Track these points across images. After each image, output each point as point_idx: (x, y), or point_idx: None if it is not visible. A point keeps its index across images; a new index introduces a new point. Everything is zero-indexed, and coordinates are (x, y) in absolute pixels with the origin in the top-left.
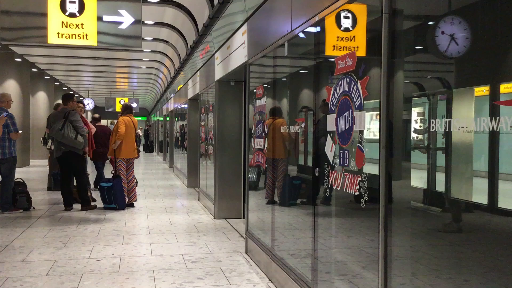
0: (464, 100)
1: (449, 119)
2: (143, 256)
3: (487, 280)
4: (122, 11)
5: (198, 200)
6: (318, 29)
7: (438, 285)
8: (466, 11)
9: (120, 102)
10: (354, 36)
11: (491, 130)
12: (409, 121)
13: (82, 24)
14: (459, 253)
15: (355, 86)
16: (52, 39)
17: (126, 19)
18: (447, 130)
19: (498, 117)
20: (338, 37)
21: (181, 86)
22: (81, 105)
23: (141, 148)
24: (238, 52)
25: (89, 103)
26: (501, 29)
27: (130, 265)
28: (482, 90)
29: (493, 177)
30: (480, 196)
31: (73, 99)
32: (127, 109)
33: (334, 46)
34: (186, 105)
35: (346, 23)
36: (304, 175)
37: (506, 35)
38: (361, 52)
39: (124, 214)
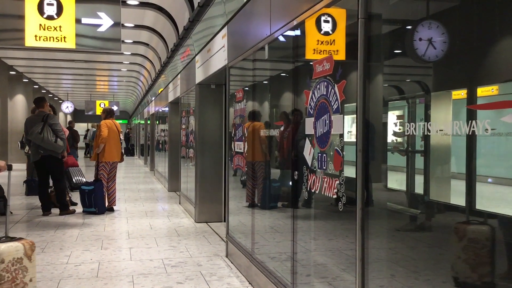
0: (442, 104)
1: (427, 122)
2: (122, 261)
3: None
4: (101, 14)
5: (179, 203)
6: (296, 33)
7: (416, 287)
8: (443, 16)
9: (100, 105)
10: (333, 40)
11: (467, 133)
12: (388, 124)
13: (60, 27)
14: (438, 254)
15: (332, 90)
16: (29, 41)
17: (105, 21)
18: (425, 133)
19: (472, 121)
20: (317, 40)
21: (162, 89)
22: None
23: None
24: (218, 55)
25: (68, 106)
26: (478, 33)
27: (109, 270)
28: (460, 94)
29: (470, 179)
30: (458, 198)
31: (46, 101)
32: (109, 114)
33: (312, 49)
34: (167, 108)
35: (325, 27)
36: (284, 178)
37: (482, 39)
38: (340, 56)
39: (103, 218)
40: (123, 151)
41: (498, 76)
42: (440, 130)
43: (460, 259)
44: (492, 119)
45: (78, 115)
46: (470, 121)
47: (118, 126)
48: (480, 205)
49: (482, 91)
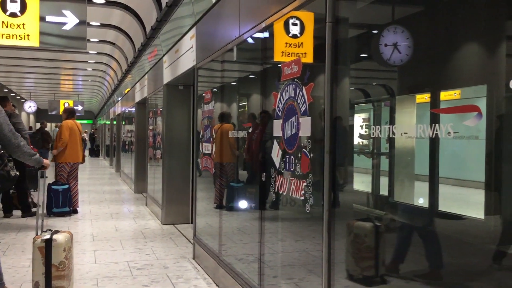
0: (406, 107)
1: (392, 125)
2: (86, 264)
3: (429, 281)
4: (66, 12)
5: (146, 205)
6: (265, 35)
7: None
8: (408, 21)
9: (64, 105)
10: (301, 43)
11: (431, 136)
12: (354, 127)
13: (23, 24)
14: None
15: (300, 92)
16: None
17: (70, 19)
18: (390, 136)
19: (436, 124)
20: (285, 43)
21: (128, 89)
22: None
23: (86, 153)
24: (187, 56)
25: (31, 106)
26: (441, 38)
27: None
28: (424, 97)
29: (433, 181)
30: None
31: (9, 100)
32: (70, 113)
33: (281, 52)
34: (133, 109)
35: (294, 30)
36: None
37: (445, 44)
38: (309, 59)
39: (67, 220)
40: (85, 151)
41: (460, 80)
42: (404, 133)
43: (348, 252)
44: (455, 122)
45: (41, 114)
46: (433, 125)
47: (79, 127)
48: (443, 206)
49: (445, 95)
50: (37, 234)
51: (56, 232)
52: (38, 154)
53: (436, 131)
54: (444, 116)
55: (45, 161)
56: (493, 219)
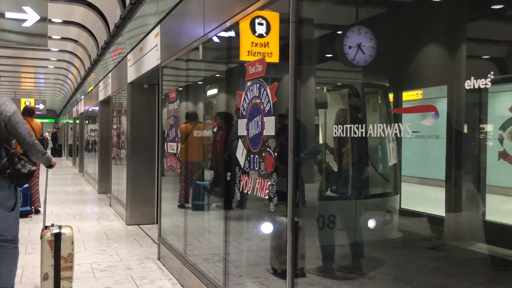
0: (369, 107)
1: (354, 124)
2: None
3: (388, 276)
4: (27, 8)
5: (110, 206)
6: (230, 34)
7: (345, 284)
8: (372, 22)
9: (25, 103)
10: (267, 43)
11: (391, 135)
12: (320, 126)
13: None
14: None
15: (264, 92)
16: None
17: (30, 16)
18: (352, 135)
19: (396, 124)
20: (250, 42)
21: (92, 87)
22: None
23: (48, 152)
24: (151, 54)
25: None
26: (404, 40)
27: (34, 276)
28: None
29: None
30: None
31: None
32: (26, 112)
33: (246, 51)
34: (97, 108)
35: (259, 29)
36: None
37: (407, 46)
38: (273, 59)
39: (27, 222)
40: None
41: (422, 81)
42: (368, 132)
43: (271, 247)
44: (415, 122)
45: None
46: (393, 124)
47: (35, 126)
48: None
49: (408, 96)
50: (44, 229)
51: (61, 226)
52: (48, 153)
53: (396, 130)
54: (406, 116)
55: (53, 160)
56: (453, 216)
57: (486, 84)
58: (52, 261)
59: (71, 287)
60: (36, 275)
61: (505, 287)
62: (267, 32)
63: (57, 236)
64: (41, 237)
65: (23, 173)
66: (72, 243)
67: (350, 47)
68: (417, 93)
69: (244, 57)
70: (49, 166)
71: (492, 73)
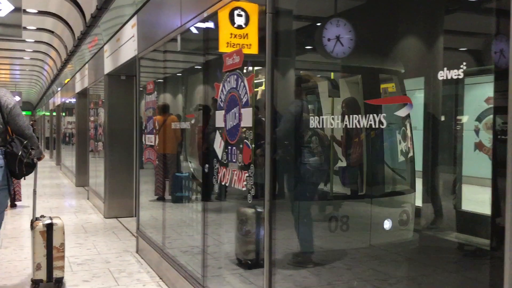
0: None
1: (331, 116)
2: (24, 260)
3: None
4: None
5: (88, 199)
6: (207, 25)
7: (321, 275)
8: (350, 14)
9: None
10: (246, 34)
11: (366, 126)
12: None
13: None
14: (345, 242)
15: (242, 83)
16: None
17: (4, 6)
18: (328, 126)
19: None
20: (228, 33)
21: (68, 79)
22: None
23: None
24: (128, 45)
25: None
26: (381, 32)
27: (9, 270)
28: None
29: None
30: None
31: None
32: None
33: (223, 42)
34: (74, 99)
35: (237, 20)
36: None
37: (385, 39)
38: (254, 50)
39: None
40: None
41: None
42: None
43: (236, 237)
44: (389, 113)
45: None
46: (367, 115)
47: None
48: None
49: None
50: (35, 220)
51: (51, 217)
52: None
53: (370, 121)
54: (381, 107)
55: (43, 153)
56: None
57: (458, 75)
58: (45, 251)
59: (63, 276)
60: (12, 269)
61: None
62: (246, 23)
63: (49, 227)
64: (32, 228)
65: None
66: (64, 233)
67: (329, 40)
68: (393, 85)
69: (223, 48)
70: (39, 159)
71: (464, 63)
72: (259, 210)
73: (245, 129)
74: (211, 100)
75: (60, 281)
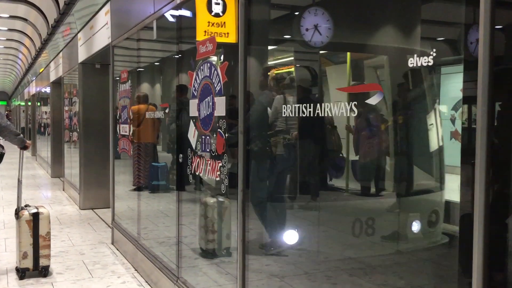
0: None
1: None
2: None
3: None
4: None
5: (63, 190)
6: (181, 12)
7: (298, 263)
8: (328, 3)
9: None
10: (224, 22)
11: (337, 115)
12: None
13: None
14: (321, 232)
15: (215, 71)
16: None
17: None
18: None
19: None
20: (207, 22)
21: (43, 68)
22: None
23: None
24: (102, 33)
25: None
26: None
27: None
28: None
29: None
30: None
31: None
32: None
33: (202, 31)
34: (49, 89)
35: (216, 8)
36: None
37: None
38: (231, 39)
39: None
40: None
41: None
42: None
43: (198, 226)
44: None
45: None
46: (339, 103)
47: None
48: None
49: None
50: (20, 210)
51: (37, 207)
52: (22, 135)
53: (342, 109)
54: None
55: (28, 142)
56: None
57: (428, 62)
58: (31, 240)
59: (49, 264)
60: None
61: None
62: (224, 11)
63: (35, 216)
64: (18, 217)
65: (2, 153)
66: (50, 222)
67: (307, 29)
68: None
69: (200, 37)
70: (24, 147)
71: (434, 50)
72: (220, 199)
73: (218, 118)
74: (185, 89)
75: (46, 269)
